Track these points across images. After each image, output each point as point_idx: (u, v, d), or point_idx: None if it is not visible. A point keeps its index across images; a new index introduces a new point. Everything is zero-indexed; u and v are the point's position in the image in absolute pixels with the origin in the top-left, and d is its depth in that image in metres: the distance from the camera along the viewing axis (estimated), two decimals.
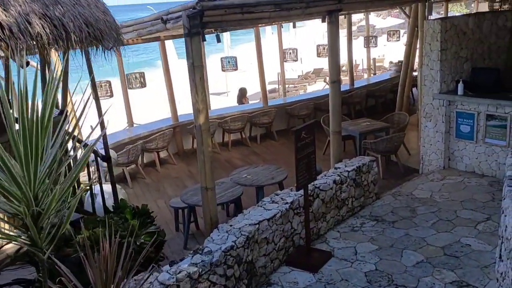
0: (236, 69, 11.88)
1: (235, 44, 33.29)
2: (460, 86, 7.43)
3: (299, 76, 24.10)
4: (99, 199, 6.02)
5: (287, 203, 5.59)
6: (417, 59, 12.24)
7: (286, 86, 17.20)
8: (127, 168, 9.70)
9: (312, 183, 6.00)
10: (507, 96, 7.10)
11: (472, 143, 7.51)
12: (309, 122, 5.48)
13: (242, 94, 14.46)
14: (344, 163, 6.77)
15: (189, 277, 4.17)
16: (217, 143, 11.69)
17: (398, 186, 7.55)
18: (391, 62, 16.07)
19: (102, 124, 5.91)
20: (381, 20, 46.91)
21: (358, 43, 23.96)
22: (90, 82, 5.74)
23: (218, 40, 6.48)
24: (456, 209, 6.50)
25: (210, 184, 5.18)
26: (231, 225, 5.10)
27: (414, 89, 14.11)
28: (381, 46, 27.44)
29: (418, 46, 11.56)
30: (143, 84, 9.81)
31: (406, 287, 4.90)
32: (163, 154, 11.17)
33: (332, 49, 6.63)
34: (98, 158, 6.02)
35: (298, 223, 5.71)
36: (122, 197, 6.72)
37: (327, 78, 17.98)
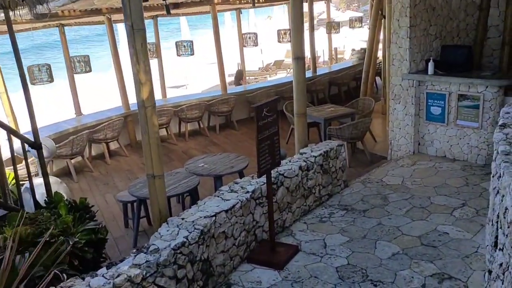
0: (192, 54, 11.10)
1: (195, 32, 32.32)
2: (431, 65, 6.98)
3: (259, 68, 23.48)
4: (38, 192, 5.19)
5: (248, 192, 4.93)
6: (380, 46, 11.88)
7: (247, 78, 16.61)
8: (72, 160, 8.78)
9: (276, 169, 5.37)
10: (479, 75, 6.70)
11: (443, 125, 7.09)
12: (272, 99, 4.83)
13: (239, 76, 14.01)
14: (310, 148, 6.18)
15: (129, 281, 3.44)
16: (173, 134, 10.90)
17: (367, 173, 7.04)
18: (353, 50, 15.67)
19: (30, 110, 5.08)
20: (340, 13, 47.09)
21: (320, 34, 23.67)
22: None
23: (168, 11, 5.72)
24: (430, 195, 6.04)
25: (158, 171, 4.45)
26: (182, 218, 4.39)
27: (377, 78, 13.81)
28: (341, 38, 27.30)
29: (382, 32, 11.19)
30: (86, 69, 8.87)
31: (382, 283, 4.34)
32: (113, 146, 10.29)
33: (295, 23, 6.01)
34: (27, 146, 5.15)
35: (260, 215, 5.06)
36: (62, 191, 5.88)
37: (290, 70, 17.43)
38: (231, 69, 18.90)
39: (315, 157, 5.85)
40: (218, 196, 4.90)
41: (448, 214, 5.52)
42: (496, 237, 3.28)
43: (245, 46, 12.58)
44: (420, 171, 6.82)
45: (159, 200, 4.59)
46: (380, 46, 11.55)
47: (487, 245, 3.86)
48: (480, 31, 7.66)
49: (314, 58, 13.64)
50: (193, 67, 25.60)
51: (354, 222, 5.51)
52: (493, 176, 3.74)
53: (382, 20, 11.05)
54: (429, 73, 7.02)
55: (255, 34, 12.36)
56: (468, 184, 6.25)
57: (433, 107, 7.12)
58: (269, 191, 4.85)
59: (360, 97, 11.29)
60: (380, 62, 13.82)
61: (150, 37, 11.10)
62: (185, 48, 11.11)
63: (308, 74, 13.74)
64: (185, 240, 3.97)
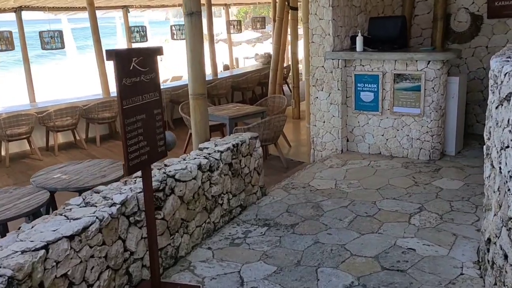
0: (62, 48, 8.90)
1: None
2: (359, 39, 5.61)
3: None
4: None
5: (114, 204, 2.99)
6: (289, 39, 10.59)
7: None
8: None
9: (163, 169, 3.50)
10: (418, 49, 5.45)
11: (377, 115, 5.72)
12: (149, 47, 2.97)
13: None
14: (214, 141, 4.39)
15: None
16: (37, 148, 8.44)
17: (289, 178, 5.40)
18: (256, 54, 14.34)
19: None
20: (238, 34, 46.80)
21: (219, 47, 22.37)
22: None
23: None
24: (375, 199, 4.53)
25: None
26: None
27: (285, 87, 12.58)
28: (241, 52, 26.26)
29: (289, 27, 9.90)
30: None
31: None
32: None
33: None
34: None
35: (137, 241, 3.13)
36: None
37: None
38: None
39: (221, 152, 4.07)
40: (61, 214, 2.88)
41: (405, 222, 4.02)
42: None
43: (133, 42, 10.58)
44: (354, 172, 5.33)
45: None
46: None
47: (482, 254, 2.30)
48: (407, 7, 6.54)
49: (214, 59, 11.99)
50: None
51: (280, 243, 3.77)
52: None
53: (290, 12, 9.81)
54: (357, 49, 5.65)
55: (144, 27, 10.41)
56: (418, 183, 4.86)
57: (363, 93, 5.74)
58: (149, 202, 2.95)
59: (269, 96, 9.82)
60: (288, 66, 12.64)
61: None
62: (52, 39, 8.85)
63: (208, 77, 12.10)
64: None
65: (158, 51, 2.92)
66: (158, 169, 3.65)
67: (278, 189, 4.98)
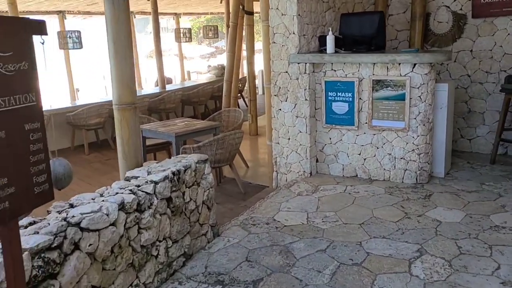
0: None
1: None
2: (330, 39, 4.65)
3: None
4: None
5: None
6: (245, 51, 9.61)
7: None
8: None
9: (66, 212, 2.35)
10: (399, 51, 4.54)
11: (352, 129, 4.75)
12: (15, 16, 1.82)
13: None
14: (147, 167, 3.23)
15: None
16: None
17: (249, 210, 4.29)
18: (209, 66, 13.25)
19: None
20: (191, 48, 45.69)
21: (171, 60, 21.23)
22: None
23: None
24: (359, 239, 3.51)
25: None
26: None
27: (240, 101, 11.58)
28: (191, 66, 25.16)
29: (245, 32, 8.93)
30: None
31: None
32: None
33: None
34: None
35: None
36: None
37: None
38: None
39: (155, 183, 2.92)
40: None
41: (405, 273, 3.00)
42: None
43: (65, 49, 9.25)
44: (329, 200, 4.30)
45: None
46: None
47: None
48: (380, 5, 5.66)
49: (161, 69, 10.79)
50: None
51: None
52: None
53: (245, 18, 8.84)
54: (328, 51, 4.68)
55: (78, 31, 9.09)
56: (409, 215, 3.88)
57: (336, 104, 4.77)
58: (18, 278, 1.77)
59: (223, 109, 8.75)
60: (244, 77, 11.64)
61: None
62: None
63: (155, 90, 10.91)
64: None
65: (35, 26, 1.77)
66: (58, 212, 2.48)
67: (235, 226, 3.86)
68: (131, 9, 13.63)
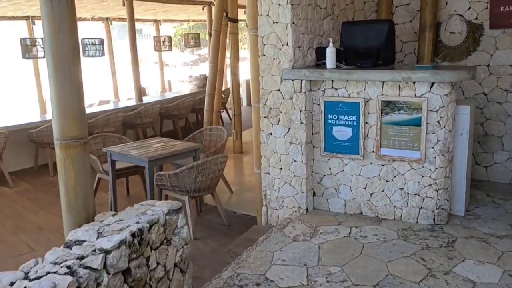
0: None
1: None
2: (331, 52, 3.91)
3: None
4: None
5: None
6: (228, 59, 8.85)
7: None
8: None
9: None
10: (414, 66, 3.82)
11: (357, 159, 4.00)
12: None
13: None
14: (99, 223, 2.42)
15: None
16: None
17: (234, 261, 3.49)
18: (190, 76, 12.44)
19: None
20: (173, 56, 44.80)
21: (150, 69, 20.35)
22: None
23: None
24: None
25: None
26: None
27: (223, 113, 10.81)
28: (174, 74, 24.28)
29: (229, 40, 8.19)
30: None
31: None
32: None
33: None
34: None
35: None
36: None
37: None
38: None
39: (106, 253, 2.11)
40: None
41: None
42: None
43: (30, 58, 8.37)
44: (332, 249, 3.52)
45: None
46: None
47: None
48: (383, 12, 4.96)
49: (138, 81, 9.94)
50: None
51: None
52: None
53: (228, 25, 8.10)
54: (328, 66, 3.94)
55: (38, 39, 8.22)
56: (433, 271, 3.13)
57: (337, 128, 4.02)
58: None
59: (204, 127, 7.97)
60: (227, 89, 10.87)
61: None
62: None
63: (130, 102, 10.06)
64: None
65: None
66: None
67: None
68: (107, 15, 12.84)
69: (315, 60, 4.26)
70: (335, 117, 4.00)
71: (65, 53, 2.32)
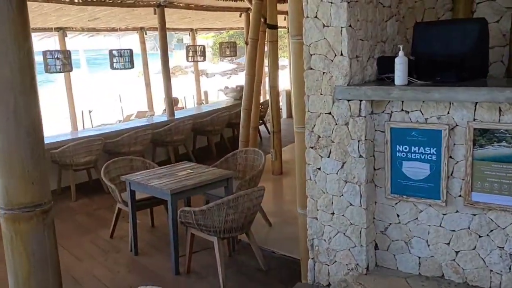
0: None
1: None
2: (401, 63, 2.93)
3: (119, 121, 18.23)
4: None
5: None
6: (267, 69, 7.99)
7: None
8: None
9: None
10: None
11: (436, 205, 2.99)
12: None
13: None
14: None
15: None
16: None
17: None
18: (226, 87, 11.64)
19: None
20: (213, 65, 44.55)
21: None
22: None
23: None
24: None
25: None
26: None
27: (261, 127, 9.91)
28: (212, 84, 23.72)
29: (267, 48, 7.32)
30: None
31: None
32: None
33: None
34: None
35: None
36: None
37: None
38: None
39: None
40: None
41: None
42: None
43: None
44: None
45: None
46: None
47: None
48: (460, 10, 3.93)
49: (170, 99, 9.20)
50: None
51: None
52: None
53: (267, 32, 7.23)
54: (398, 82, 2.96)
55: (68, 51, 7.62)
56: None
57: (409, 164, 3.03)
58: None
59: (239, 148, 7.10)
60: (266, 101, 9.99)
61: None
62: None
63: (161, 118, 9.35)
64: None
65: None
66: None
67: None
68: (140, 25, 12.27)
69: (376, 74, 3.30)
70: (405, 148, 3.02)
71: (7, 76, 1.48)
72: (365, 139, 3.06)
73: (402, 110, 3.02)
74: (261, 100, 9.43)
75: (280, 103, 12.78)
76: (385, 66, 3.16)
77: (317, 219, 3.38)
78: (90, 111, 16.46)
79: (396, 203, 3.15)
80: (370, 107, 3.07)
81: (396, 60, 2.93)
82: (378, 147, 3.14)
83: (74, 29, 11.16)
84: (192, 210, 4.12)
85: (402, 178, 3.07)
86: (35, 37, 11.08)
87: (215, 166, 5.31)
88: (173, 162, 8.32)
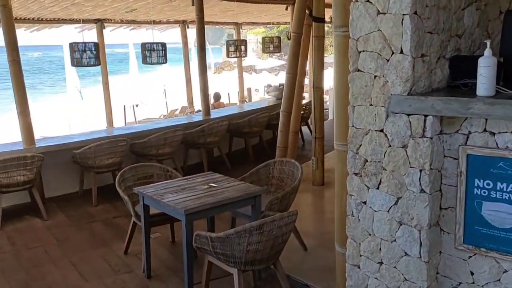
0: None
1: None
2: (488, 67, 2.09)
3: (163, 116, 17.88)
4: None
5: None
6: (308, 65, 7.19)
7: None
8: None
9: None
10: None
11: None
12: None
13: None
14: None
15: None
16: None
17: None
18: (269, 85, 10.87)
19: None
20: (261, 61, 43.93)
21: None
22: None
23: None
24: None
25: None
26: None
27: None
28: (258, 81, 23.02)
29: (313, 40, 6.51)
30: None
31: None
32: None
33: None
34: None
35: None
36: None
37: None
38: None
39: None
40: None
41: None
42: None
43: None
44: None
45: None
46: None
47: None
48: None
49: (206, 98, 8.54)
50: None
51: None
52: None
53: (312, 26, 6.43)
54: (481, 92, 2.12)
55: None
56: None
57: (491, 205, 2.19)
58: None
59: (276, 156, 6.38)
60: (308, 102, 9.18)
61: None
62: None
63: (195, 118, 8.74)
64: None
65: None
66: None
67: None
68: (183, 18, 11.75)
69: (449, 79, 2.45)
70: (488, 184, 2.17)
71: None
72: (430, 168, 2.23)
73: (485, 130, 2.17)
74: (305, 101, 8.63)
75: (327, 103, 11.91)
76: (462, 69, 2.31)
77: (359, 268, 2.58)
78: (135, 105, 16.22)
79: (470, 257, 2.30)
80: (439, 125, 2.23)
81: (481, 61, 2.08)
82: (447, 179, 2.30)
83: (113, 21, 10.78)
84: (209, 235, 3.42)
85: (480, 224, 2.22)
86: (74, 29, 10.77)
87: (243, 178, 4.59)
88: (206, 166, 7.70)
